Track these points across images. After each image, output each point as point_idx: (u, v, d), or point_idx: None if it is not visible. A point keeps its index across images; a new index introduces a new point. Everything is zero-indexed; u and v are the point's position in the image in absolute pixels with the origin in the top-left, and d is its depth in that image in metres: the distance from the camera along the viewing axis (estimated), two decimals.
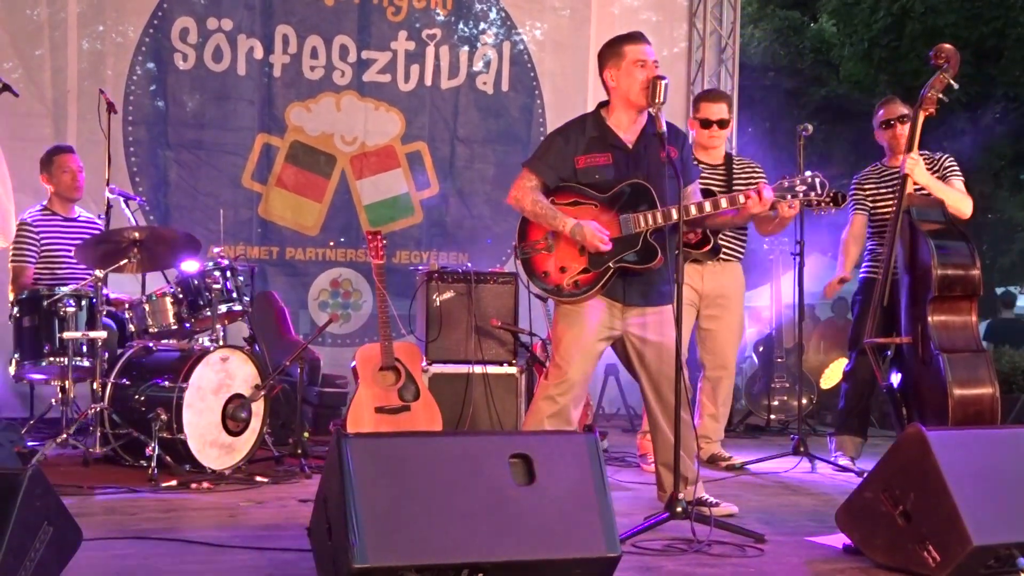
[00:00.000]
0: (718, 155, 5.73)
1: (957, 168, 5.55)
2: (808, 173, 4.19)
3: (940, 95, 5.19)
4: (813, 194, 4.15)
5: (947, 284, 5.01)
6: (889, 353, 5.43)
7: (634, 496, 4.74)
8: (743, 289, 5.84)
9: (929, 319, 5.03)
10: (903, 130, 5.50)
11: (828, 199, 5.05)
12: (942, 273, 4.99)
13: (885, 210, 5.58)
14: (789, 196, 4.16)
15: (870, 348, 5.36)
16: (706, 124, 5.68)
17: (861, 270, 5.83)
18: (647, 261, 4.10)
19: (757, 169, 5.77)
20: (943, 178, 5.45)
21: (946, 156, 5.56)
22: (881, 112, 5.72)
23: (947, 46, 5.26)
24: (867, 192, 5.75)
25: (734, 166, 5.72)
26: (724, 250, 5.64)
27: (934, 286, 4.99)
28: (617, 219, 4.12)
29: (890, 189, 5.58)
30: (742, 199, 4.12)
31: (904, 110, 5.63)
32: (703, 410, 5.78)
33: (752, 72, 15.10)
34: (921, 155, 5.35)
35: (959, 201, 5.39)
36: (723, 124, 5.68)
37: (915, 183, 5.27)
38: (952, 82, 5.17)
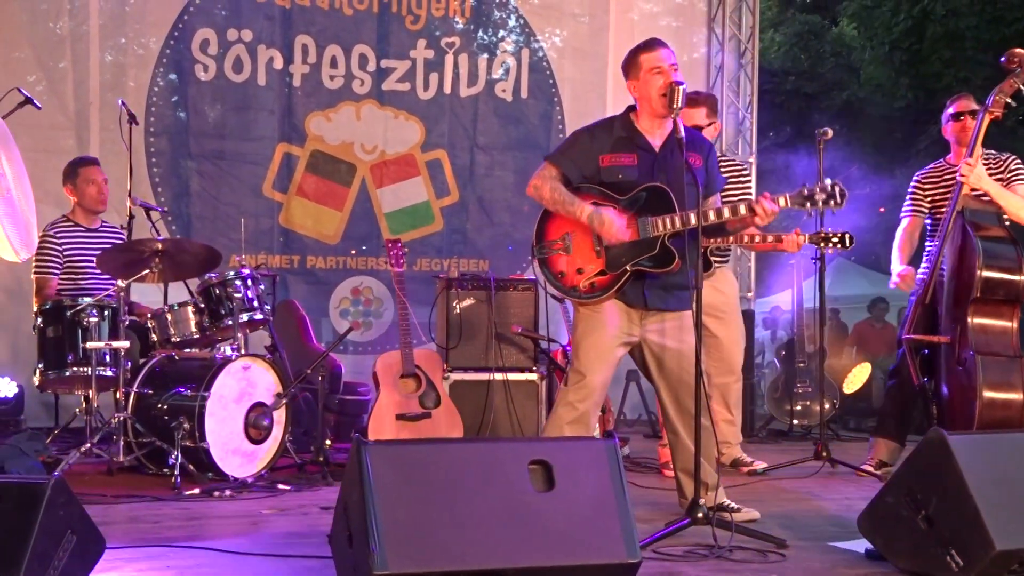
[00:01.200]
0: None
1: (1023, 170, 5.39)
2: (828, 181, 4.14)
3: (1008, 99, 5.10)
4: (833, 203, 4.11)
5: (990, 287, 4.97)
6: (927, 352, 5.36)
7: (655, 502, 4.72)
8: (737, 292, 5.94)
9: (969, 320, 4.99)
10: (972, 123, 5.37)
11: (837, 240, 5.13)
12: (986, 275, 4.95)
13: (944, 209, 5.41)
14: (808, 205, 4.13)
15: (907, 344, 5.31)
16: None
17: (920, 270, 5.71)
18: (664, 265, 4.09)
19: (744, 171, 5.86)
20: (1008, 181, 5.31)
21: (1012, 157, 5.42)
22: (952, 107, 5.56)
23: (1020, 50, 5.13)
24: (927, 192, 5.59)
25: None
26: (715, 259, 5.66)
27: (976, 287, 4.96)
28: (635, 222, 4.11)
29: (949, 189, 5.42)
30: (756, 207, 4.10)
31: (975, 106, 5.47)
32: (717, 417, 5.74)
33: (772, 76, 15.09)
34: (987, 155, 5.28)
35: (1020, 208, 5.22)
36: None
37: (972, 188, 5.19)
38: (1022, 87, 5.07)
